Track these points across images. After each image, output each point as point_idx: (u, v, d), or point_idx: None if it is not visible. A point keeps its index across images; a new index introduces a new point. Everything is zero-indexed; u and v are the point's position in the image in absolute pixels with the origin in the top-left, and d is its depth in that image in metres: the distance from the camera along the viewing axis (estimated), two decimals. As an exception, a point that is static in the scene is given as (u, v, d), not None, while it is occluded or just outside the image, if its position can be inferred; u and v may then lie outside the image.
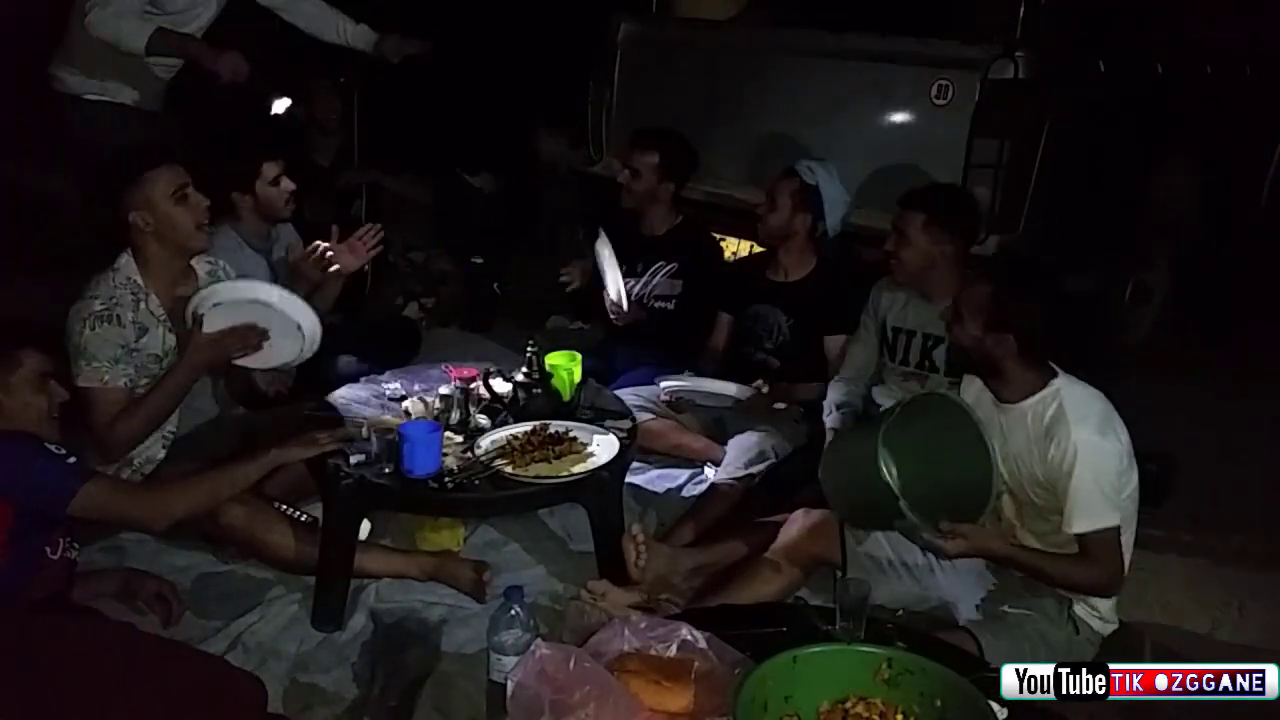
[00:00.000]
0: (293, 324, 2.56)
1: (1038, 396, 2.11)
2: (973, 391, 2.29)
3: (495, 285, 4.51)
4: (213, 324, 2.47)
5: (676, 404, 3.16)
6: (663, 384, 3.14)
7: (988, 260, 3.20)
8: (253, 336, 2.51)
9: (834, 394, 2.96)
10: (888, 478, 2.02)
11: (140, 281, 2.52)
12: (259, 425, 2.69)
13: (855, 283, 3.15)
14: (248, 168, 3.03)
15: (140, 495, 2.17)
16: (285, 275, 3.10)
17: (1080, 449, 2.01)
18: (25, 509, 1.91)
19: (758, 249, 3.52)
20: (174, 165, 2.51)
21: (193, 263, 2.64)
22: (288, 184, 3.08)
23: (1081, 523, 2.03)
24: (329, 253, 2.94)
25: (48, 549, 1.98)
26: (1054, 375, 2.12)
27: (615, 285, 3.39)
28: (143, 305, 2.51)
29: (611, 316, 3.43)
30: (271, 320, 2.54)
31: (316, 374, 2.86)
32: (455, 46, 5.60)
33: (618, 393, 2.94)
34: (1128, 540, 2.12)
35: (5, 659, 1.69)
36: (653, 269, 3.54)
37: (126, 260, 2.52)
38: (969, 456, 2.12)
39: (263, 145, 3.17)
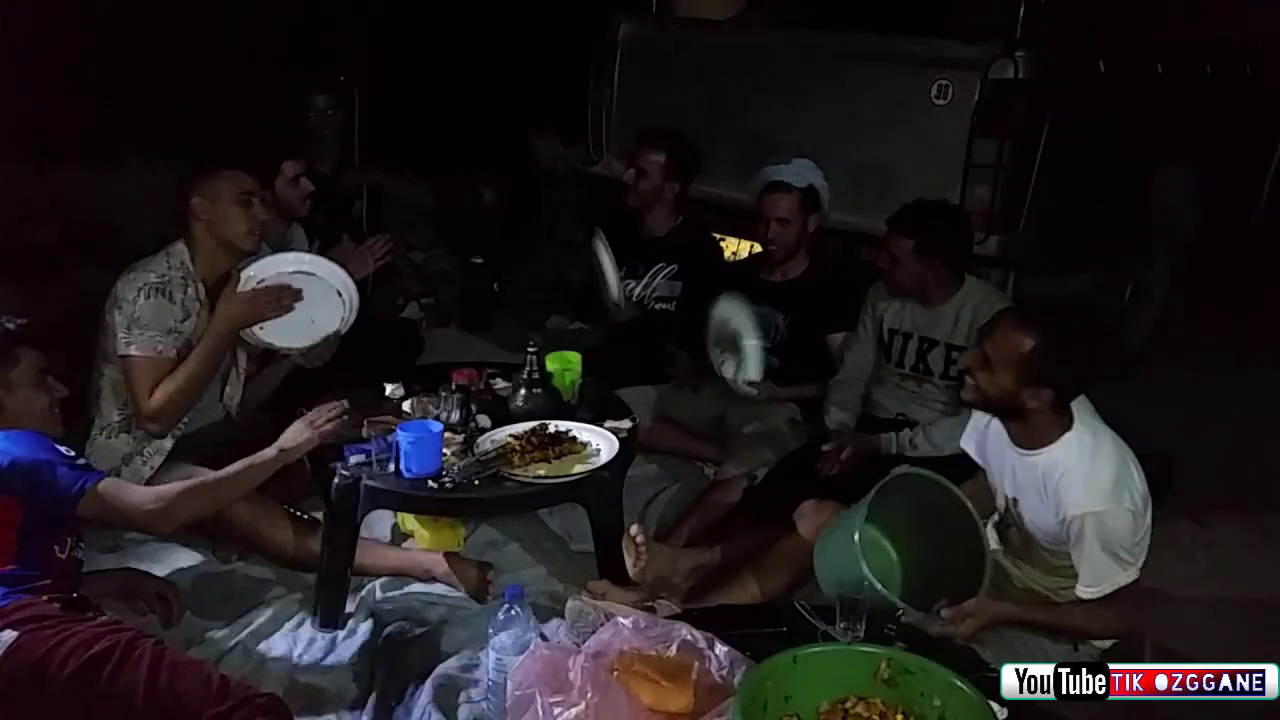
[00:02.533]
0: (332, 290, 2.64)
1: (1048, 451, 1.98)
2: (981, 422, 2.21)
3: (495, 285, 4.51)
4: None
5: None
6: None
7: (989, 259, 3.21)
8: (286, 297, 2.56)
9: (833, 394, 2.97)
10: (872, 581, 1.84)
11: (190, 268, 2.57)
12: (264, 427, 2.69)
13: (853, 280, 3.15)
14: (269, 165, 3.05)
15: (147, 498, 2.17)
16: None
17: (1088, 524, 1.91)
18: (34, 509, 1.91)
19: (756, 248, 3.52)
20: (246, 174, 2.59)
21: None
22: (306, 184, 3.13)
23: (1095, 590, 1.95)
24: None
25: (56, 548, 1.98)
26: (1069, 426, 1.98)
27: (614, 284, 3.39)
28: (190, 289, 2.55)
29: (611, 314, 3.43)
30: (312, 290, 2.61)
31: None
32: (455, 46, 5.62)
33: (618, 393, 2.94)
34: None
35: (36, 662, 1.69)
36: (653, 270, 3.53)
37: (180, 247, 2.58)
38: (959, 525, 2.03)
39: (284, 144, 3.21)
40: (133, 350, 2.44)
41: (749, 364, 2.96)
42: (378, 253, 3.03)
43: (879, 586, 1.84)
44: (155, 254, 2.57)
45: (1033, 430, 2.00)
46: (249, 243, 2.62)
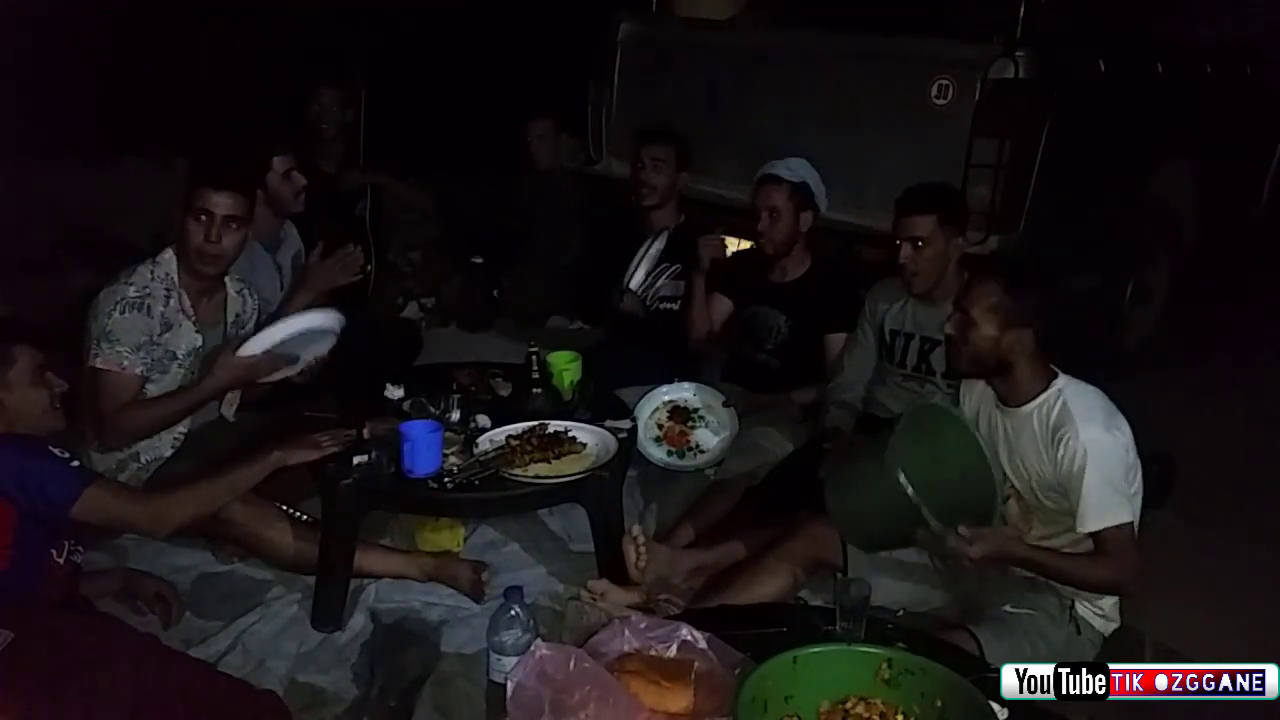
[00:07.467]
0: (328, 332, 2.62)
1: (1041, 399, 2.11)
2: (974, 396, 2.29)
3: (495, 292, 4.50)
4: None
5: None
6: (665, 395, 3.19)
7: (986, 259, 3.20)
8: (283, 364, 2.56)
9: (834, 395, 2.96)
10: (906, 488, 1.98)
11: (176, 279, 2.56)
12: (261, 426, 2.69)
13: (853, 281, 3.15)
14: (259, 161, 3.04)
15: (142, 501, 2.16)
16: (290, 277, 3.12)
17: (1089, 448, 2.00)
18: (29, 513, 1.91)
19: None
20: (239, 195, 2.55)
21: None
22: (299, 179, 3.11)
23: (1095, 521, 2.02)
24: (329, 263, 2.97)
25: (53, 551, 1.98)
26: (1055, 376, 2.13)
27: (640, 276, 3.49)
28: (173, 301, 2.55)
29: (617, 300, 3.49)
30: (306, 338, 2.60)
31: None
32: (457, 47, 5.62)
33: (618, 393, 2.93)
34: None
35: (33, 661, 1.69)
36: (657, 269, 3.53)
37: (168, 255, 2.57)
38: (968, 463, 2.10)
39: (274, 141, 3.19)
40: (98, 363, 2.43)
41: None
42: (353, 267, 3.00)
43: (914, 500, 1.95)
44: (141, 263, 2.54)
45: (1020, 384, 2.13)
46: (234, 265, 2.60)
